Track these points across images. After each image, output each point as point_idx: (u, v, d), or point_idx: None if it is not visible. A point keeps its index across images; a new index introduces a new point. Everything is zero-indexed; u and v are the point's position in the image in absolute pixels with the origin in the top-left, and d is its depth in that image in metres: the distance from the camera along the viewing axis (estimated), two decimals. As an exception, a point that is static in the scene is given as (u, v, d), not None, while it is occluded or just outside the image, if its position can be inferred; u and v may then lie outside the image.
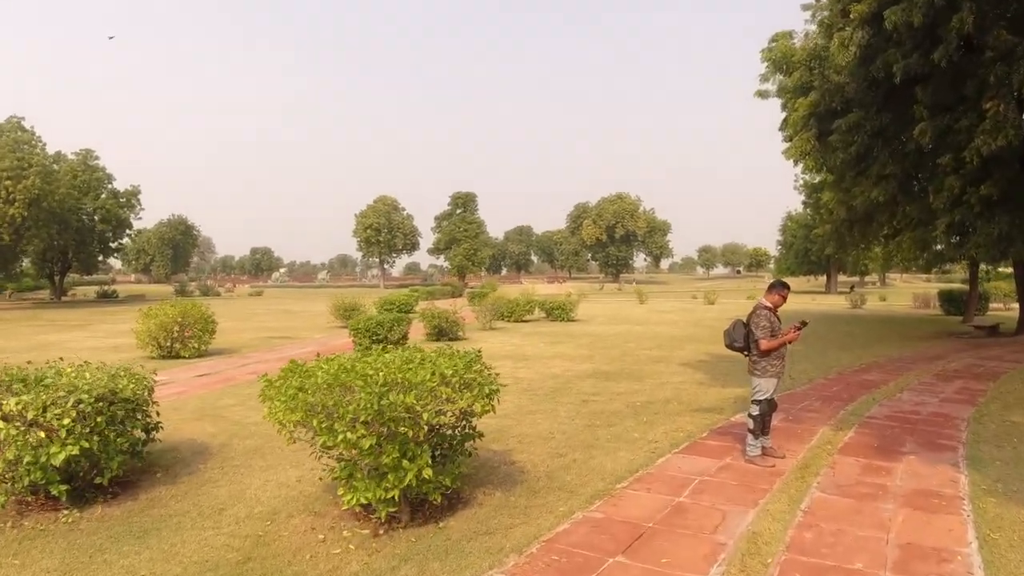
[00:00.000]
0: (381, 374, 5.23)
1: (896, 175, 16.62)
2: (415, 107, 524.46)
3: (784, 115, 21.01)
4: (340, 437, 4.96)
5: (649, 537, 5.07)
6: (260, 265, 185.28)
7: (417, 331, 22.81)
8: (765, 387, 6.89)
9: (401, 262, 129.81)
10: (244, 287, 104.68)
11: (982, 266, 30.69)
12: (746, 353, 7.05)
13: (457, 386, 5.43)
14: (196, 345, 17.94)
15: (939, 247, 19.75)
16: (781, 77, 19.90)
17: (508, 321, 29.39)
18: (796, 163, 18.90)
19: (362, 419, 4.92)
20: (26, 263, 59.30)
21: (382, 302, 33.73)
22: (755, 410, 6.92)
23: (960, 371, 13.47)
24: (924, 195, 16.59)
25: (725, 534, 5.08)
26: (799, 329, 6.92)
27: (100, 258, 64.19)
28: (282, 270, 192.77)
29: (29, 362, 7.24)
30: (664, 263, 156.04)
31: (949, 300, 33.79)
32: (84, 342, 22.11)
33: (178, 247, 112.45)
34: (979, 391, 11.09)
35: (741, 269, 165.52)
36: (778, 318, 6.95)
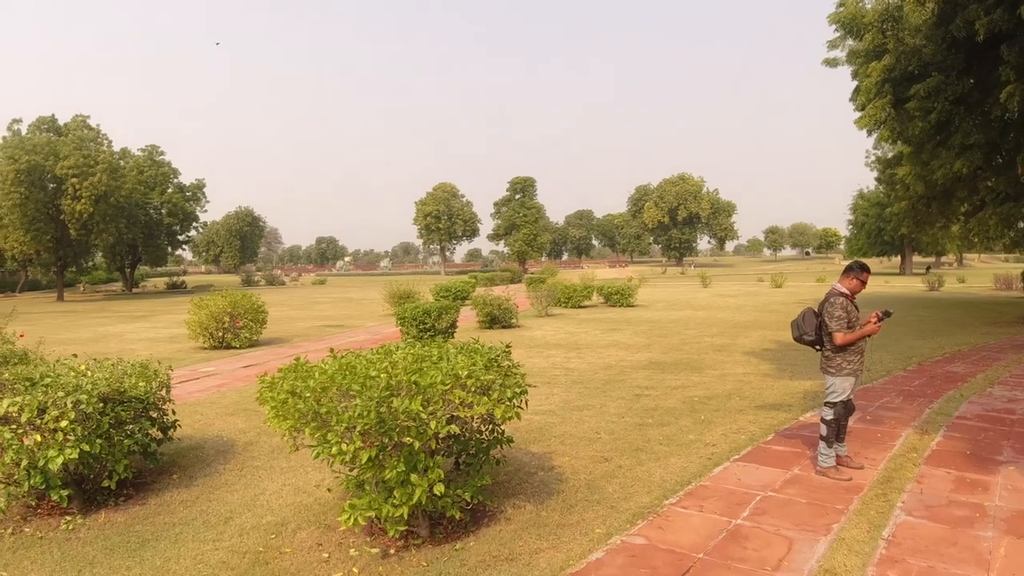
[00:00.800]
0: (384, 376, 4.55)
1: (980, 145, 15.12)
2: (476, 93, 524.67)
3: (855, 84, 19.55)
4: (334, 449, 4.31)
5: (697, 574, 4.29)
6: (325, 254, 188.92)
7: (470, 319, 22.32)
8: (840, 387, 5.99)
9: (462, 249, 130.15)
10: (310, 276, 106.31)
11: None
12: (818, 347, 6.16)
13: (473, 389, 4.73)
14: (247, 335, 17.83)
15: (1029, 223, 18.18)
16: (851, 42, 18.40)
17: (565, 307, 28.73)
18: (869, 133, 17.44)
19: (359, 428, 4.25)
20: (98, 257, 61.31)
21: (438, 289, 33.40)
22: (828, 413, 6.02)
23: (1058, 361, 12.20)
24: (1011, 166, 15.09)
25: (791, 571, 4.26)
26: (881, 320, 5.99)
27: (169, 250, 65.86)
28: (347, 258, 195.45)
29: (74, 355, 6.98)
30: (729, 245, 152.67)
31: (1035, 281, 31.63)
32: (142, 332, 22.30)
33: (245, 238, 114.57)
34: (1084, 385, 9.89)
35: (810, 251, 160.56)
36: (856, 306, 6.03)
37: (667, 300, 33.91)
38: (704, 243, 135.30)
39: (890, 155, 32.99)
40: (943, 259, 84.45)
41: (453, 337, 16.43)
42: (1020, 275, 34.38)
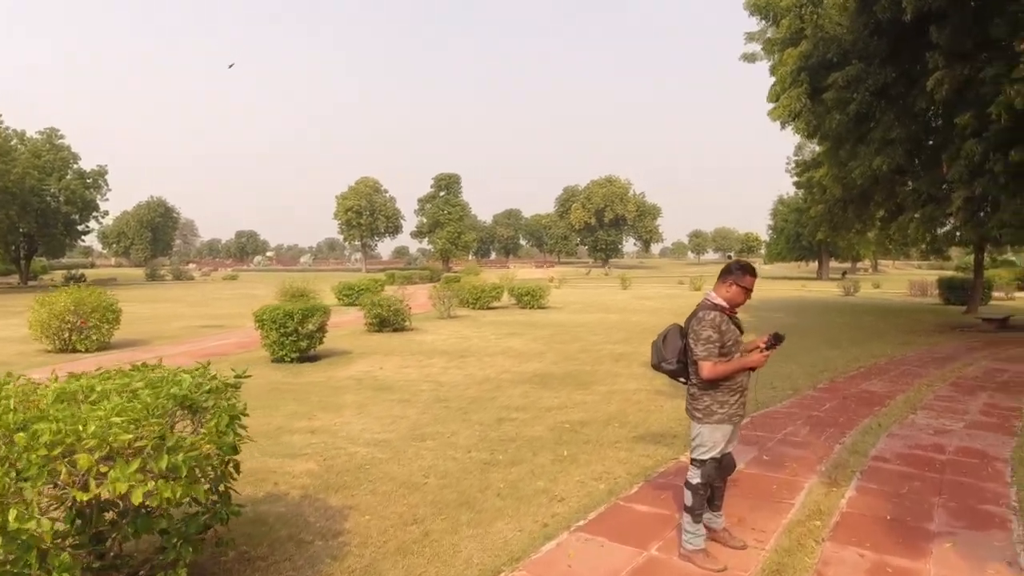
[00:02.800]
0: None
1: (902, 140, 13.91)
2: (403, 91, 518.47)
3: (774, 79, 18.30)
4: None
5: None
6: (245, 249, 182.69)
7: (358, 321, 20.33)
8: (709, 439, 4.20)
9: (386, 246, 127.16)
10: (226, 271, 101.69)
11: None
12: (682, 380, 4.38)
13: (116, 451, 2.80)
14: (97, 337, 15.46)
15: (950, 227, 17.15)
16: (771, 30, 17.08)
17: (474, 308, 27.01)
18: (783, 126, 16.10)
19: None
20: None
21: (341, 287, 31.21)
22: (695, 476, 4.24)
23: (980, 379, 10.89)
24: (935, 165, 13.96)
25: None
26: (771, 347, 4.18)
27: (67, 241, 61.38)
28: (268, 254, 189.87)
29: None
30: (655, 248, 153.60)
31: (950, 288, 31.27)
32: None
33: (158, 229, 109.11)
34: (1011, 410, 8.51)
35: (732, 254, 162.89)
36: (736, 324, 4.23)
37: (583, 302, 32.49)
38: (630, 245, 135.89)
39: (809, 159, 32.38)
40: (859, 265, 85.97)
41: (322, 343, 14.44)
42: (935, 281, 34.17)
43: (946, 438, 7.05)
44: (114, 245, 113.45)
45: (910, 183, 16.11)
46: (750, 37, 18.47)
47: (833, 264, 77.27)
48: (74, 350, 15.05)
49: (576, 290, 46.45)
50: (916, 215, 15.93)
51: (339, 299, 30.19)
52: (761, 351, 4.11)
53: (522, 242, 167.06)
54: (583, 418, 8.31)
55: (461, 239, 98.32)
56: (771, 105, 16.00)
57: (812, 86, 14.78)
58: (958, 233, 18.36)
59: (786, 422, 7.68)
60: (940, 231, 21.16)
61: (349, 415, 8.75)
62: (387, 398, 9.85)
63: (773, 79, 18.12)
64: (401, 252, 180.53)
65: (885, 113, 14.16)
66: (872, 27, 13.81)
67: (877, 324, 21.44)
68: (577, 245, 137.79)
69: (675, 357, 4.27)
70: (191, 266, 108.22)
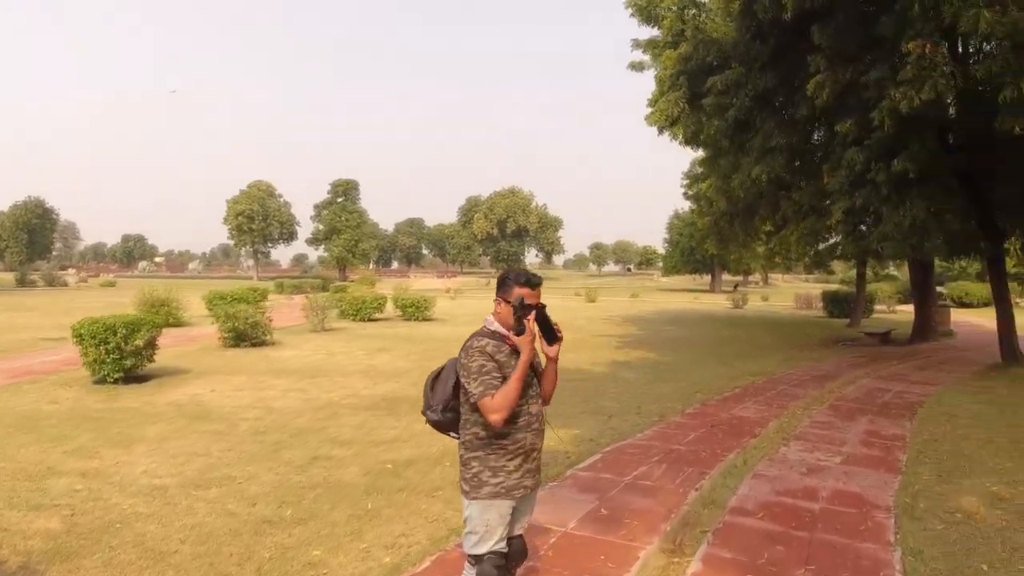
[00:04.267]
0: None
1: (783, 149, 13.29)
2: (304, 96, 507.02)
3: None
4: None
5: None
6: (132, 253, 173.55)
7: (211, 335, 18.45)
8: (481, 524, 2.99)
9: (285, 253, 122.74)
10: (108, 276, 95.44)
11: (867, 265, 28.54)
12: (453, 436, 3.20)
13: None
14: None
15: (833, 240, 16.79)
16: (653, 33, 16.32)
17: (354, 320, 25.33)
18: (661, 131, 15.29)
19: None
20: None
21: (211, 296, 28.73)
22: (469, 573, 3.06)
23: (862, 400, 10.19)
24: (817, 175, 13.44)
25: None
26: (520, 319, 2.91)
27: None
28: (157, 259, 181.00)
29: None
30: (559, 259, 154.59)
31: (833, 302, 31.81)
32: None
33: (35, 232, 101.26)
34: (894, 439, 7.73)
35: (632, 267, 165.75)
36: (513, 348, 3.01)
37: (472, 314, 31.20)
38: (532, 256, 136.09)
39: (699, 171, 32.31)
40: (750, 278, 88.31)
41: (153, 360, 12.65)
42: (820, 295, 34.74)
43: (820, 478, 6.11)
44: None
45: (794, 196, 15.63)
46: (637, 44, 17.68)
47: (726, 277, 79.08)
48: None
49: (471, 301, 45.27)
50: (799, 228, 15.41)
51: (209, 309, 27.87)
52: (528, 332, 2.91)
53: (425, 251, 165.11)
54: (412, 456, 7.02)
55: (358, 247, 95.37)
56: (646, 105, 15.23)
57: (691, 91, 14.02)
58: (839, 248, 18.05)
59: (641, 459, 6.59)
60: (822, 246, 21.03)
61: (140, 452, 7.23)
62: (198, 429, 8.36)
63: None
64: (301, 260, 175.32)
65: (766, 121, 13.52)
66: (754, 30, 13.18)
67: (762, 337, 21.13)
68: (480, 255, 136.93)
69: (442, 404, 3.06)
70: (70, 271, 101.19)
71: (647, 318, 29.57)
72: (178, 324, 22.92)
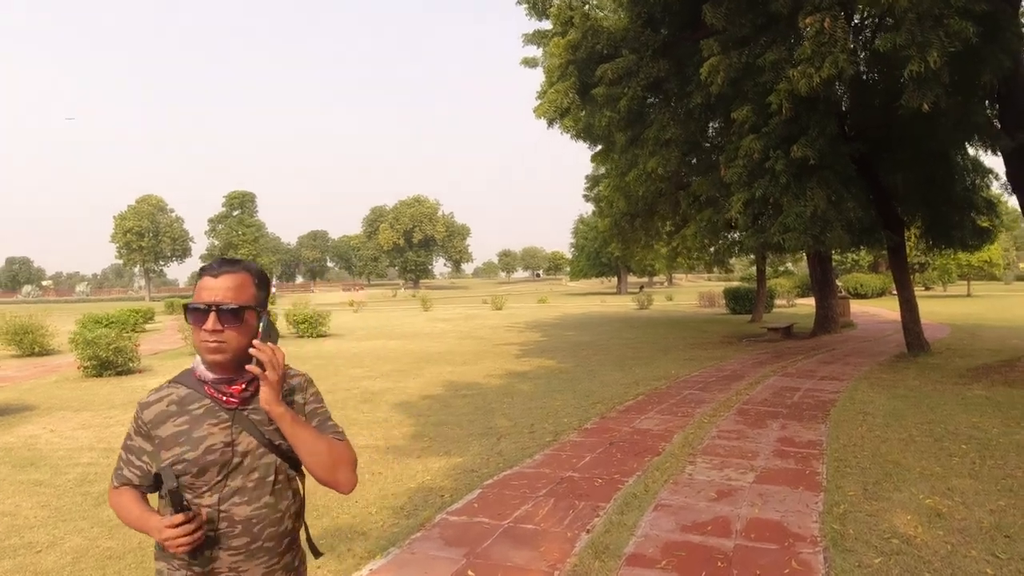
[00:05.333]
0: None
1: (678, 141, 12.63)
2: (205, 102, 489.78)
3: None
4: None
5: None
6: (17, 277, 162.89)
7: (69, 365, 16.60)
8: None
9: (180, 271, 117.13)
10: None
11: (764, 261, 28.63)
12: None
13: None
14: None
15: (733, 236, 16.32)
16: (543, 22, 15.47)
17: (242, 339, 23.44)
18: (550, 124, 14.41)
19: None
20: None
21: (86, 320, 26.21)
22: None
23: (771, 401, 9.48)
24: (713, 167, 12.84)
25: None
26: (178, 509, 1.73)
27: None
28: (45, 282, 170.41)
29: None
30: (468, 268, 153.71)
31: (735, 298, 31.98)
32: None
33: None
34: (810, 445, 6.96)
35: (540, 272, 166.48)
36: (237, 417, 1.88)
37: (373, 327, 29.78)
38: (440, 265, 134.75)
39: (600, 171, 31.93)
40: (656, 279, 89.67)
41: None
42: (722, 292, 34.92)
43: (732, 503, 5.22)
44: None
45: (692, 188, 15.06)
46: (528, 39, 16.84)
47: (632, 279, 80.00)
48: None
49: (374, 313, 43.67)
50: (696, 221, 14.75)
51: (83, 330, 25.43)
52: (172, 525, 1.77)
53: (330, 264, 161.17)
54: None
55: (257, 262, 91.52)
56: (536, 97, 14.34)
57: (581, 81, 13.21)
58: (739, 243, 17.62)
59: (527, 493, 5.54)
60: (721, 242, 20.73)
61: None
62: (18, 479, 6.97)
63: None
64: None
65: (659, 111, 12.86)
66: (645, 17, 12.50)
67: (666, 337, 20.62)
68: (387, 267, 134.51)
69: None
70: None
71: (551, 323, 28.86)
72: (45, 352, 20.81)
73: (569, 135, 14.56)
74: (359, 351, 19.34)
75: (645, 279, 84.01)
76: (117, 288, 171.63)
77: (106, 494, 6.17)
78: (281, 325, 26.08)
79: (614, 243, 27.62)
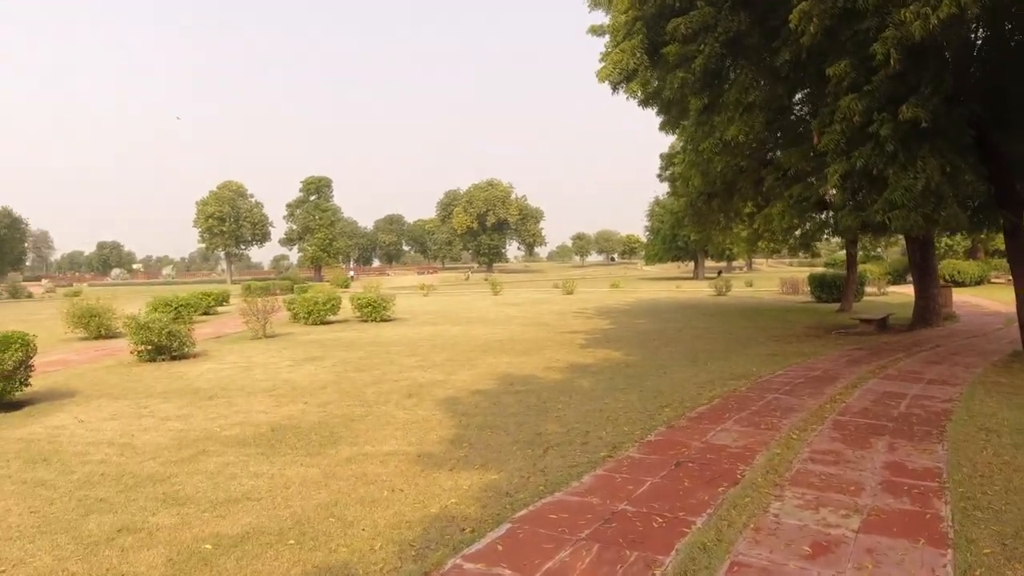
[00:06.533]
0: None
1: (762, 104, 11.04)
2: (285, 94, 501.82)
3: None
4: None
5: None
6: (108, 261, 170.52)
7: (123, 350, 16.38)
8: None
9: (264, 254, 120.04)
10: (82, 285, 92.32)
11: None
12: None
13: None
14: None
15: (822, 217, 14.51)
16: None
17: (306, 323, 23.13)
18: (615, 89, 12.82)
19: None
20: None
21: (156, 303, 26.27)
22: None
23: (873, 412, 7.94)
24: (804, 136, 11.19)
25: None
26: None
27: None
28: (135, 266, 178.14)
29: None
30: (543, 251, 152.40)
31: (821, 285, 29.59)
32: None
33: (4, 242, 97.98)
34: (928, 476, 5.51)
35: (615, 256, 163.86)
36: None
37: (438, 312, 28.99)
38: (514, 249, 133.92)
39: (677, 151, 30.20)
40: (734, 263, 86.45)
41: (28, 385, 10.56)
42: (806, 278, 32.63)
43: (833, 564, 3.89)
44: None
45: (778, 160, 13.38)
46: (595, 3, 15.39)
47: (709, 263, 77.22)
48: None
49: (444, 297, 43.14)
50: (783, 198, 12.95)
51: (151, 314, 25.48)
52: None
53: (405, 248, 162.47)
54: (250, 525, 4.87)
55: (333, 245, 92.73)
56: (599, 60, 12.81)
57: (651, 39, 11.69)
58: (832, 224, 15.73)
59: (565, 535, 4.33)
60: (810, 225, 18.89)
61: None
62: (23, 478, 6.56)
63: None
64: (280, 261, 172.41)
65: (741, 71, 11.29)
66: (723, -37, 10.96)
67: (745, 329, 18.97)
68: (461, 250, 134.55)
69: None
70: (44, 281, 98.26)
71: (622, 310, 27.46)
72: (111, 336, 20.82)
73: (636, 101, 13.09)
74: (417, 337, 18.48)
75: (723, 264, 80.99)
76: (203, 271, 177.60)
77: (101, 501, 5.56)
78: (345, 309, 25.59)
79: (690, 225, 25.91)
